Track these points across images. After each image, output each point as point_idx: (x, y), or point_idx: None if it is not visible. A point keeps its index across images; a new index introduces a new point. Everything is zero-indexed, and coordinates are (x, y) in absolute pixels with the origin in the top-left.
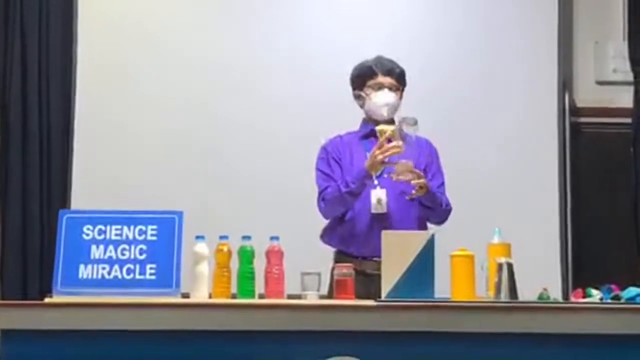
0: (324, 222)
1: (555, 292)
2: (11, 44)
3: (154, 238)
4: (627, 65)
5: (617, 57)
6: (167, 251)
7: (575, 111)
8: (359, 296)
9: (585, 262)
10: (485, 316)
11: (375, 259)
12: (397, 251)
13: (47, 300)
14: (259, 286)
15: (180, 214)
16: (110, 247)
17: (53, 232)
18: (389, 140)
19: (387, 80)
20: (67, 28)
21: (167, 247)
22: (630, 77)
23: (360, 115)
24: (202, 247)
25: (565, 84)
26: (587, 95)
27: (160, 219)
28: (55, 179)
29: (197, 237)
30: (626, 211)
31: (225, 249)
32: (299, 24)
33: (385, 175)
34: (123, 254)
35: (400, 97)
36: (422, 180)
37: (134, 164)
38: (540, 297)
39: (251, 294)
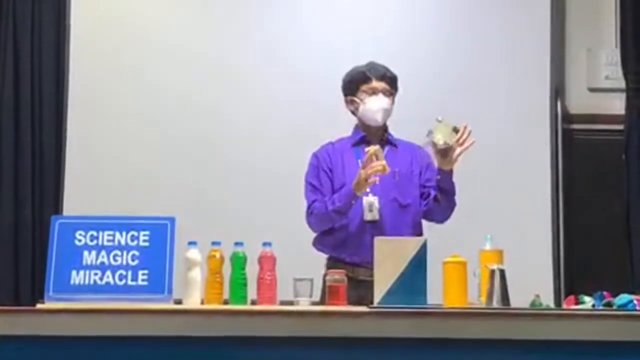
0: None
1: (548, 299)
2: (3, 48)
3: (147, 244)
4: (619, 73)
5: (609, 64)
6: (160, 257)
7: (568, 118)
8: (351, 302)
9: (577, 269)
10: (477, 323)
11: (367, 265)
12: (389, 257)
13: (39, 306)
14: (252, 292)
15: (172, 220)
16: (103, 253)
17: (45, 238)
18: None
19: (381, 85)
20: (60, 32)
21: (159, 253)
22: (622, 84)
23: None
24: (194, 253)
25: (558, 91)
26: (579, 102)
27: (153, 225)
28: (47, 184)
29: (190, 243)
30: (618, 218)
31: (217, 255)
32: (297, 24)
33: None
34: (115, 260)
35: (393, 103)
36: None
37: (126, 169)
38: (533, 303)
39: (243, 300)
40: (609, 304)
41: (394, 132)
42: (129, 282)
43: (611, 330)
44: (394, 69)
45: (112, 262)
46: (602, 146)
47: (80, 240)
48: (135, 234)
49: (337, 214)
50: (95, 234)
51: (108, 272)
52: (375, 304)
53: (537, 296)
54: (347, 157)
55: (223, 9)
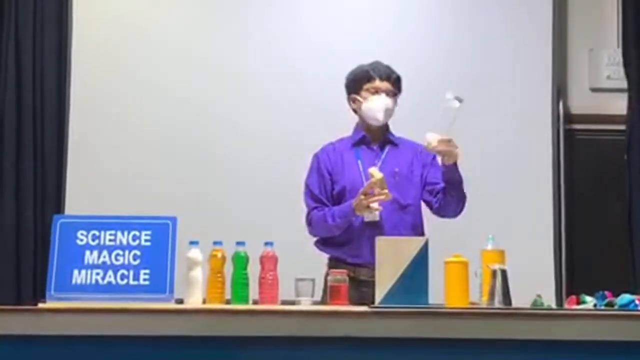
0: None
1: (549, 299)
2: (5, 49)
3: (148, 244)
4: (621, 72)
5: (611, 64)
6: (161, 257)
7: (570, 118)
8: (352, 302)
9: (579, 269)
10: (478, 323)
11: (369, 266)
12: (390, 257)
13: (40, 305)
14: (253, 292)
15: (174, 220)
16: (104, 253)
17: (47, 237)
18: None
19: (385, 85)
20: (62, 34)
21: (161, 252)
22: (624, 84)
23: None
24: (196, 253)
25: (560, 91)
26: (581, 102)
27: (154, 224)
28: (49, 184)
29: (191, 243)
30: (620, 218)
31: (219, 254)
32: (297, 24)
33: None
34: (117, 260)
35: (395, 103)
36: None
37: (128, 169)
38: (534, 303)
39: (245, 300)
40: (610, 304)
41: (395, 132)
42: (131, 282)
43: (613, 330)
44: (394, 69)
45: (114, 262)
46: (604, 146)
47: (82, 240)
48: (137, 233)
49: (337, 229)
50: (97, 233)
51: (110, 272)
52: (376, 304)
53: (539, 296)
54: (347, 157)
55: (223, 10)
